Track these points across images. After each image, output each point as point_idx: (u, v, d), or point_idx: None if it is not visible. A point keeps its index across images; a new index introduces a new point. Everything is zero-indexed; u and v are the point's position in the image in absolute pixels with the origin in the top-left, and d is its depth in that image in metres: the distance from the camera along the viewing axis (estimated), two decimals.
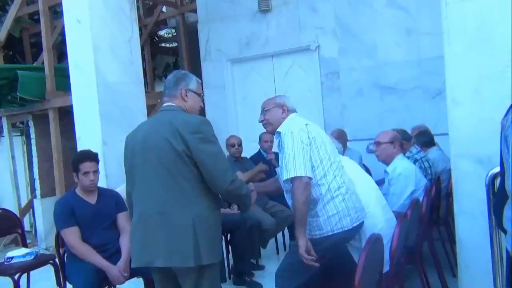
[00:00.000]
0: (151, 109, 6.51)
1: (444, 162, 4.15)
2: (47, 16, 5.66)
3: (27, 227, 6.54)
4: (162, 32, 10.75)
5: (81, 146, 4.52)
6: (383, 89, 5.65)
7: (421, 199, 3.21)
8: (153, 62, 9.53)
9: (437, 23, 5.21)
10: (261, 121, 2.71)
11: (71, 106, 4.68)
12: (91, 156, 3.11)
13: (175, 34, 9.56)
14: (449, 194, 4.03)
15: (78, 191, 3.12)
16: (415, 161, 3.90)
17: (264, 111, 2.69)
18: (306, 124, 2.52)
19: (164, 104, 2.36)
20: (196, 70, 7.44)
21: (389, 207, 2.99)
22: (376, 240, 1.89)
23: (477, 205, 2.90)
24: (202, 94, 2.48)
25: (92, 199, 3.13)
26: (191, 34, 7.69)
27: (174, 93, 2.35)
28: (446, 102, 5.15)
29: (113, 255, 3.01)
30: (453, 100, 2.97)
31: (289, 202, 2.58)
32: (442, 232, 4.18)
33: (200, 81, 2.49)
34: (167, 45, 10.68)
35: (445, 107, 5.15)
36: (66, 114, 5.37)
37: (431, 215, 3.59)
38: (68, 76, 4.63)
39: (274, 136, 2.69)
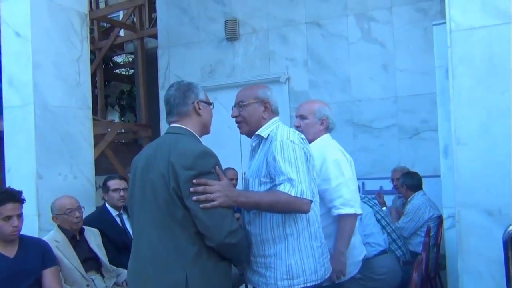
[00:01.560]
0: (99, 138, 5.84)
1: (431, 209, 3.74)
2: None
3: None
4: (118, 59, 10.16)
5: (10, 179, 3.81)
6: (356, 126, 5.29)
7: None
8: (106, 89, 8.89)
9: (415, 60, 5.07)
10: (235, 117, 2.16)
11: (2, 132, 3.97)
12: (15, 196, 2.44)
13: (131, 61, 8.98)
14: (438, 246, 3.61)
15: None
16: None
17: (240, 104, 2.13)
18: (302, 137, 2.06)
19: (172, 125, 1.96)
20: (153, 99, 6.88)
21: None
22: None
23: (485, 264, 2.52)
24: (212, 103, 2.10)
25: (11, 252, 2.42)
26: (149, 60, 7.17)
27: (185, 110, 1.94)
28: (424, 143, 4.95)
29: None
30: (457, 140, 2.55)
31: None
32: None
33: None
34: (123, 72, 10.07)
35: (423, 148, 4.93)
36: None
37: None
38: (1, 97, 3.94)
39: (251, 139, 2.16)
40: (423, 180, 4.21)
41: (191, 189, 1.74)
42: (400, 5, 5.09)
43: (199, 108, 1.95)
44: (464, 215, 2.54)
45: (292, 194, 1.85)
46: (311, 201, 1.91)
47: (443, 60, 3.14)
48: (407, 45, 5.03)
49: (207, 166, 1.80)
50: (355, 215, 2.30)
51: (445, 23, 2.80)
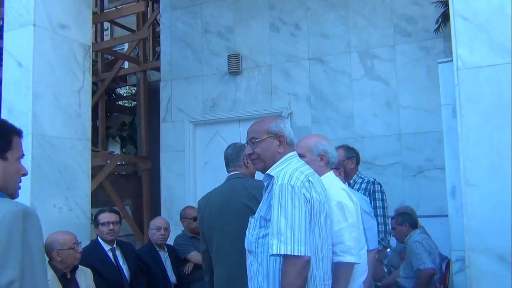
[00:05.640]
0: (98, 170, 5.74)
1: (434, 250, 3.58)
2: None
3: None
4: (121, 91, 10.20)
5: None
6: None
7: None
8: (108, 120, 8.86)
9: (419, 98, 5.04)
10: (249, 154, 2.09)
11: None
12: None
13: (134, 93, 9.00)
14: None
15: None
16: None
17: (252, 141, 2.04)
18: (309, 180, 1.90)
19: (231, 173, 2.63)
20: (154, 131, 6.82)
21: None
22: None
23: None
24: None
25: None
26: (152, 93, 7.16)
27: (238, 163, 2.61)
28: (428, 181, 4.84)
29: None
30: (466, 181, 2.46)
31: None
32: None
33: None
34: (125, 104, 10.08)
35: (428, 186, 4.82)
36: None
37: None
38: None
39: (263, 178, 2.06)
40: (429, 219, 4.08)
41: None
42: (403, 43, 5.10)
43: (248, 163, 2.52)
44: (475, 260, 2.41)
45: (282, 252, 1.76)
46: (307, 256, 1.77)
47: (449, 98, 3.08)
48: (410, 82, 5.01)
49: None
50: (353, 264, 2.13)
51: (450, 61, 2.77)
